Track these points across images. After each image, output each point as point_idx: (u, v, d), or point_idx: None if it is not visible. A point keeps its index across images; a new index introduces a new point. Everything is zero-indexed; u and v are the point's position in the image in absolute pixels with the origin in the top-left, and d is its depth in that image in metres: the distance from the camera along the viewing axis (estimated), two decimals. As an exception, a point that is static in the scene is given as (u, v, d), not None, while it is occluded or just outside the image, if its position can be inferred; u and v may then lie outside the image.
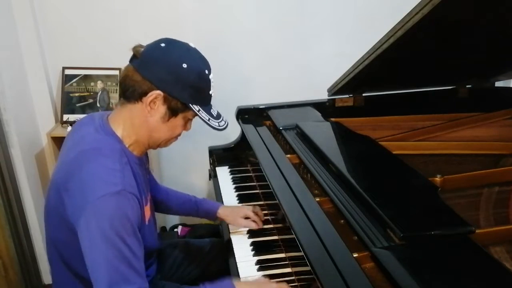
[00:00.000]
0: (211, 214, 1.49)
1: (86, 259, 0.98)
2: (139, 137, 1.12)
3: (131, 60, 1.08)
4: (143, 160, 1.23)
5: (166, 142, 1.17)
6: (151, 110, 1.07)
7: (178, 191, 1.54)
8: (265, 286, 1.13)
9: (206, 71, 1.09)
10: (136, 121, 1.09)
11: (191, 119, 1.15)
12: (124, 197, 0.99)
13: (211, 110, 1.14)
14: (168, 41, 1.08)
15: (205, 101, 1.12)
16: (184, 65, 1.04)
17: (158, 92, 1.04)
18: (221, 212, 1.48)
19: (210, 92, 1.12)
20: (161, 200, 1.47)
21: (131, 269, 0.97)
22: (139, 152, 1.16)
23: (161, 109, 1.07)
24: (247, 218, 1.44)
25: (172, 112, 1.08)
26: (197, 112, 1.10)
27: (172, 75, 1.04)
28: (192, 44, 1.12)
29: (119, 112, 1.12)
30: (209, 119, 1.11)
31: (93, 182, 0.98)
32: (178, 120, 1.11)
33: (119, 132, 1.10)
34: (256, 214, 1.44)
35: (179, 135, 1.17)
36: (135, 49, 1.07)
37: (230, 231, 1.45)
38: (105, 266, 0.95)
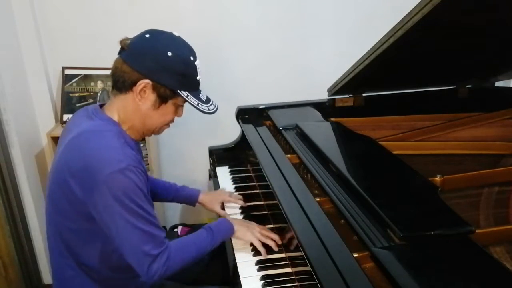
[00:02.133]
0: (192, 199, 1.58)
1: (110, 235, 1.07)
2: (133, 125, 1.18)
3: (120, 53, 1.14)
4: (139, 147, 1.29)
5: (160, 129, 1.23)
6: (141, 99, 1.13)
7: (161, 180, 1.62)
8: (251, 227, 1.32)
9: (191, 58, 1.14)
10: (129, 110, 1.15)
11: (182, 105, 1.21)
12: (131, 172, 1.05)
13: (200, 95, 1.19)
14: (153, 31, 1.14)
15: (193, 87, 1.17)
16: (169, 53, 1.10)
17: (147, 81, 1.10)
18: (201, 198, 1.57)
19: (198, 78, 1.17)
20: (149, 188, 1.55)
21: (152, 226, 1.09)
22: (135, 137, 1.22)
23: (151, 97, 1.13)
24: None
25: (162, 99, 1.14)
26: (186, 98, 1.15)
27: (158, 63, 1.09)
28: (176, 33, 1.16)
29: (113, 103, 1.18)
30: (198, 103, 1.16)
31: (97, 162, 1.04)
32: (169, 106, 1.16)
33: (114, 118, 1.17)
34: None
35: (171, 121, 1.23)
36: (122, 41, 1.13)
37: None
38: (132, 232, 1.05)
